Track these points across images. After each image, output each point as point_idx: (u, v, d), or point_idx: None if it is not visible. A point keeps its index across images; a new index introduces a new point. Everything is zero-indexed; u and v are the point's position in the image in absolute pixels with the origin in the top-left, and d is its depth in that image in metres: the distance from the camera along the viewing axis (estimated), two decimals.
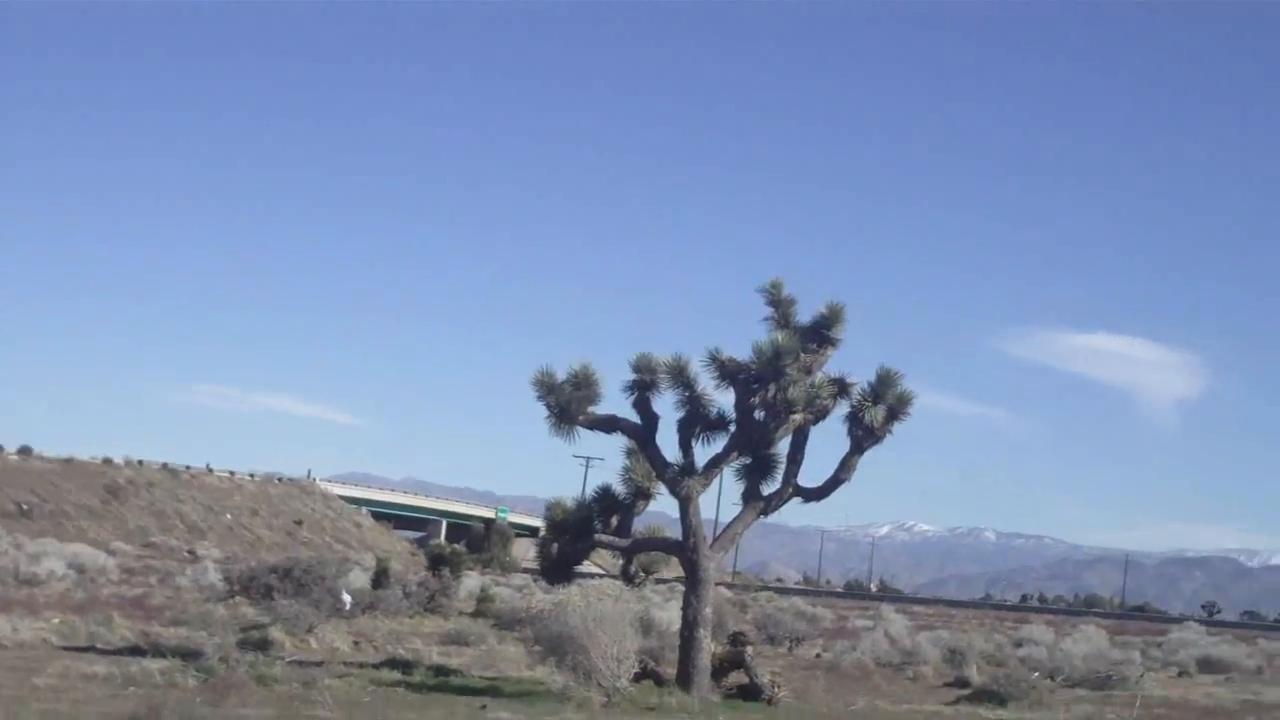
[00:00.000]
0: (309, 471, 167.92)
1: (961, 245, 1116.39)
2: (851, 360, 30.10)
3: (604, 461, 35.30)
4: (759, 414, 28.67)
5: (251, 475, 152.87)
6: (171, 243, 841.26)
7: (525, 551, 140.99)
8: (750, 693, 28.11)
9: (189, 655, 27.36)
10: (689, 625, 28.29)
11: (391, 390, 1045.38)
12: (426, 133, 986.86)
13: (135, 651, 29.11)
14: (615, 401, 29.45)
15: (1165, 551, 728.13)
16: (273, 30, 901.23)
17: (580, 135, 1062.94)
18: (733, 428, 29.22)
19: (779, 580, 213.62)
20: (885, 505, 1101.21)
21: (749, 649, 29.46)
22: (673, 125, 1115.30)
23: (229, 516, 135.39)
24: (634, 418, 29.48)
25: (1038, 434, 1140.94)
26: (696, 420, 29.27)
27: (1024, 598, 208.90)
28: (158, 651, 28.14)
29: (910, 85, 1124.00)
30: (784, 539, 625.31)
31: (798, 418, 28.54)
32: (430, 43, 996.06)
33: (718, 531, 32.94)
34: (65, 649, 29.97)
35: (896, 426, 29.23)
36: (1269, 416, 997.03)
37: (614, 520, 30.16)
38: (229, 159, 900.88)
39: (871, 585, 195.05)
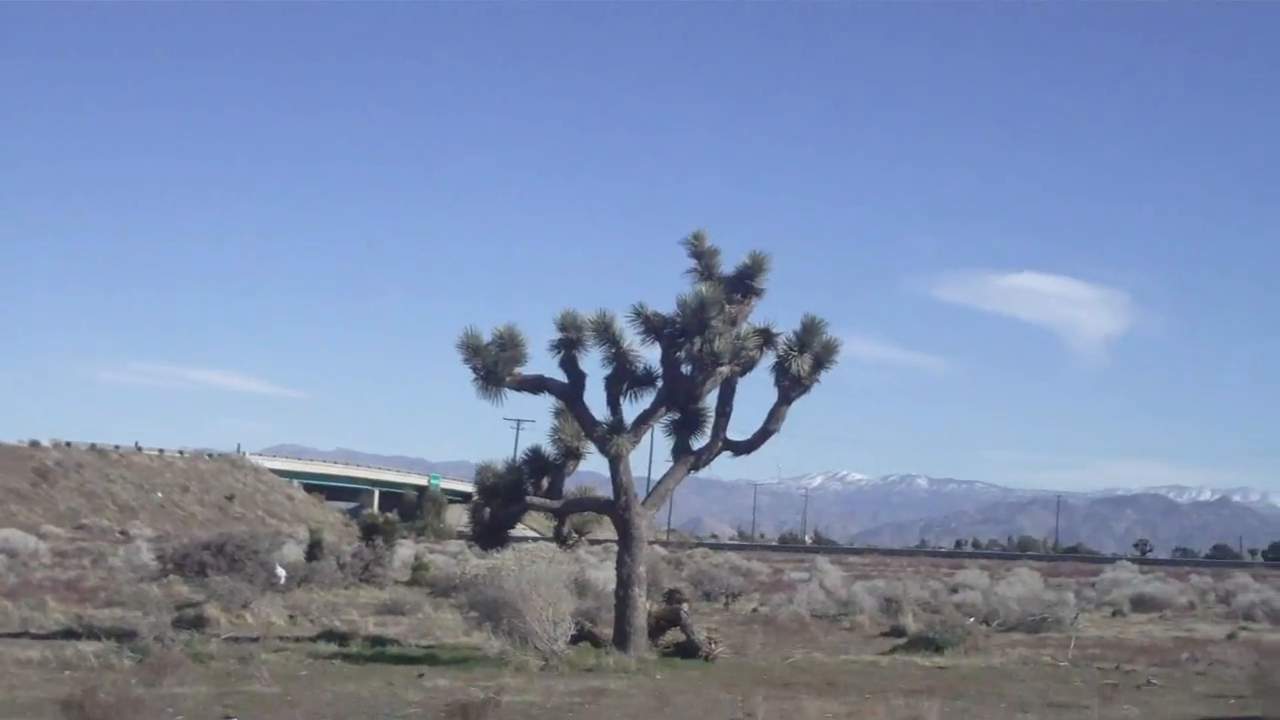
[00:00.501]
0: (239, 446, 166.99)
1: (883, 189, 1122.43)
2: (777, 309, 30.12)
3: (535, 423, 35.39)
4: (686, 368, 28.62)
5: (181, 452, 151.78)
6: (87, 222, 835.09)
7: (459, 518, 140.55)
8: (687, 650, 28.09)
9: (124, 636, 27.09)
10: (623, 585, 28.25)
11: (320, 361, 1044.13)
12: (346, 100, 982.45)
13: (70, 635, 28.87)
14: (542, 361, 29.34)
15: (1096, 491, 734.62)
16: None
17: (497, 95, 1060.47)
18: (660, 383, 29.15)
19: (714, 536, 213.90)
20: (817, 456, 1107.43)
21: (684, 606, 29.43)
22: (587, 77, 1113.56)
23: (160, 495, 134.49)
24: (561, 377, 29.37)
25: (966, 377, 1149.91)
26: (624, 377, 29.19)
27: (958, 543, 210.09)
28: (92, 634, 27.90)
29: (827, 29, 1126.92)
30: (717, 494, 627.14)
31: (724, 370, 28.50)
32: (343, 10, 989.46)
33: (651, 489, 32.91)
34: None
35: (823, 375, 29.23)
36: (1194, 351, 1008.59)
37: (545, 482, 30.06)
38: (157, 138, 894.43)
39: (806, 537, 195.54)
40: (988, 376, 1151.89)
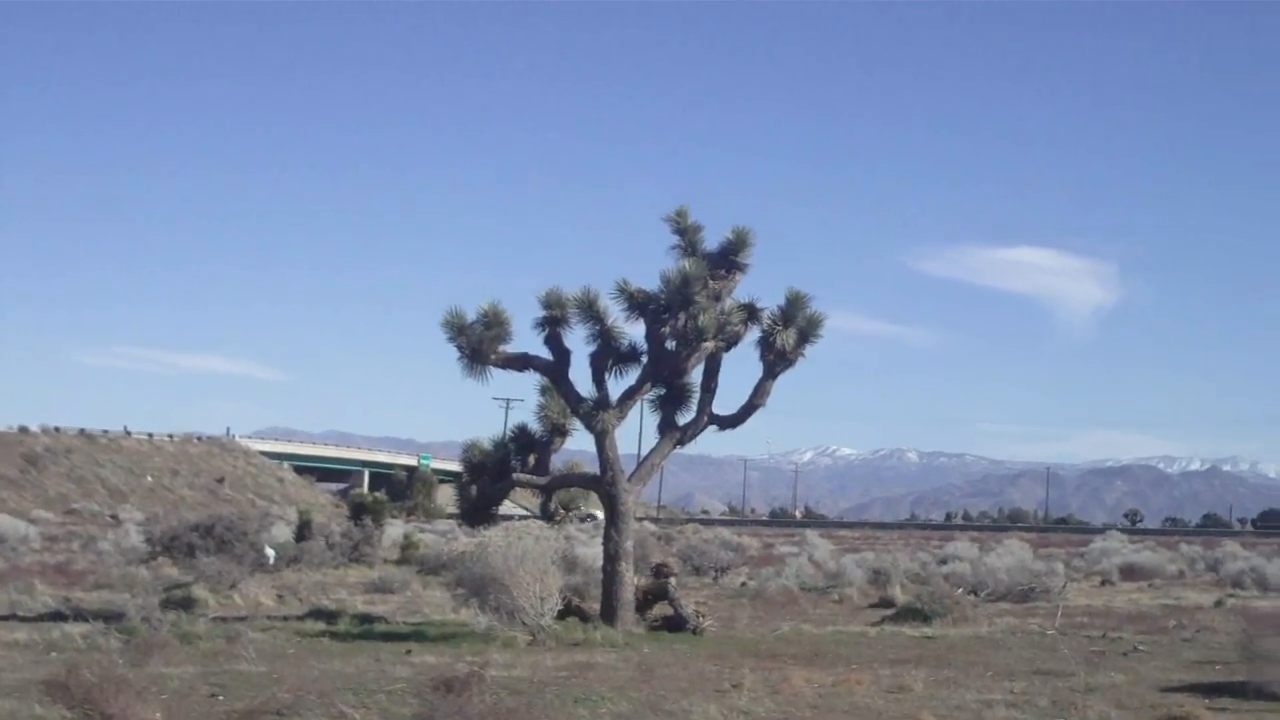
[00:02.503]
0: (228, 429, 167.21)
1: (869, 162, 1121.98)
2: (761, 285, 30.20)
3: (524, 402, 35.25)
4: (670, 344, 28.63)
5: (170, 436, 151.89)
6: (73, 205, 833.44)
7: (449, 497, 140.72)
8: (675, 624, 28.12)
9: (112, 618, 27.10)
10: (610, 559, 28.32)
11: (309, 343, 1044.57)
12: (328, 78, 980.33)
13: (57, 617, 28.81)
14: (527, 339, 29.42)
15: (1087, 463, 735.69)
16: None
17: (481, 71, 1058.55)
18: (645, 359, 29.19)
19: (705, 512, 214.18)
20: (807, 431, 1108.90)
21: (672, 580, 29.43)
22: (571, 52, 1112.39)
23: (150, 479, 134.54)
24: (546, 354, 29.41)
25: (955, 350, 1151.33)
26: (608, 353, 29.22)
27: (948, 516, 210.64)
28: (80, 616, 27.83)
29: (815, 1, 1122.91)
30: (708, 470, 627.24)
31: (709, 345, 28.52)
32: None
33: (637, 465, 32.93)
34: None
35: (809, 349, 29.33)
36: (1183, 321, 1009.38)
37: (532, 459, 30.12)
38: (141, 121, 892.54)
39: (796, 512, 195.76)
40: (976, 349, 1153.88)
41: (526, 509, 67.90)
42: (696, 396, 29.58)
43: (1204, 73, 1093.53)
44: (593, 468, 30.36)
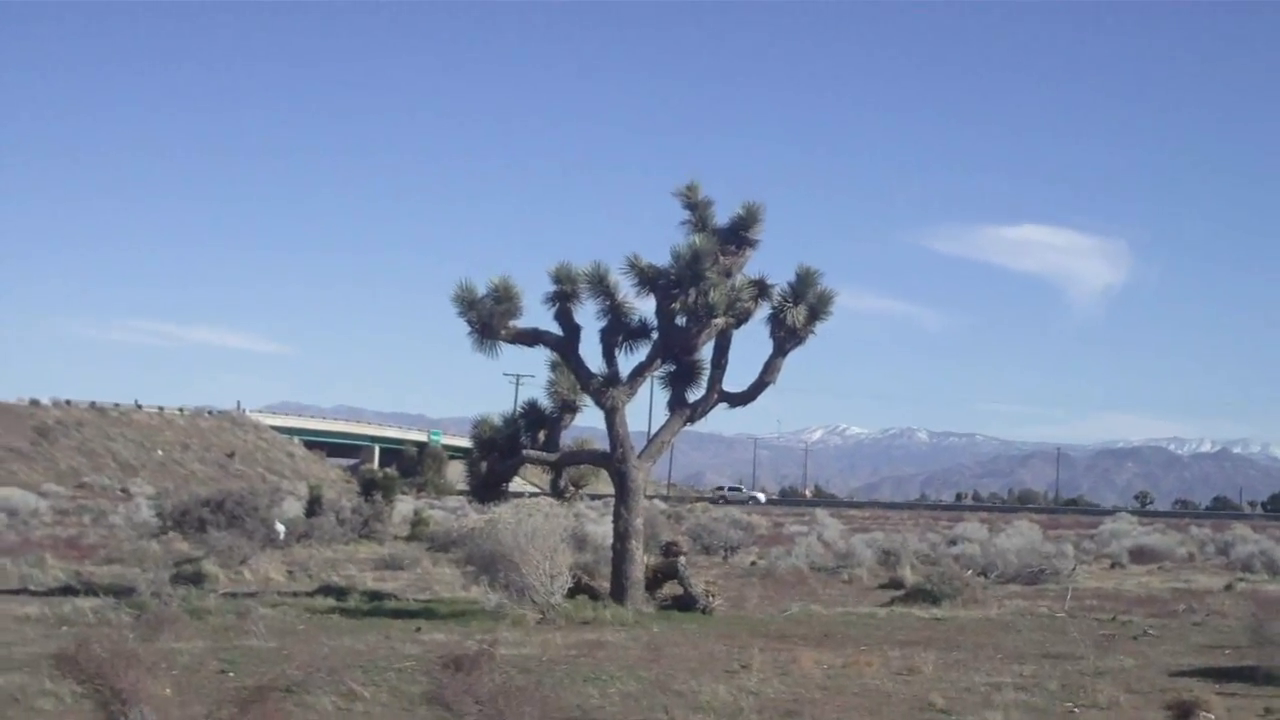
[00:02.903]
0: (239, 403, 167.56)
1: (881, 140, 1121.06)
2: (772, 261, 30.16)
3: (535, 378, 35.19)
4: (681, 319, 28.56)
5: (181, 410, 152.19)
6: (86, 181, 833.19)
7: (459, 474, 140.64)
8: (685, 602, 28.11)
9: (122, 593, 27.18)
10: (620, 537, 28.29)
11: (320, 318, 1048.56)
12: (335, 57, 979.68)
13: (68, 591, 28.84)
14: (537, 314, 29.35)
15: (1097, 444, 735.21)
16: None
17: (490, 51, 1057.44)
18: (655, 335, 29.11)
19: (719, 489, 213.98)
20: (817, 410, 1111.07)
21: (682, 559, 29.40)
22: (580, 31, 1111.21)
23: (160, 452, 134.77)
24: (556, 330, 29.35)
25: (965, 330, 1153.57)
26: (619, 329, 29.15)
27: (958, 496, 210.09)
28: (90, 590, 27.91)
29: None
30: (718, 449, 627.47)
31: (719, 321, 28.45)
32: None
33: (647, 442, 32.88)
34: None
35: (819, 327, 29.20)
36: (1194, 301, 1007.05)
37: (541, 435, 30.08)
38: (149, 97, 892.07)
39: (806, 491, 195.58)
40: (987, 329, 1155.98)
41: (537, 486, 67.87)
42: (707, 373, 29.49)
43: (1220, 54, 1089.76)
44: (603, 444, 30.29)
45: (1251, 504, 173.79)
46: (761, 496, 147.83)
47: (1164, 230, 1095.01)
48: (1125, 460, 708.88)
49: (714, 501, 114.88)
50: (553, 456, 29.95)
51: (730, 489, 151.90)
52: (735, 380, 29.87)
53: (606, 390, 28.83)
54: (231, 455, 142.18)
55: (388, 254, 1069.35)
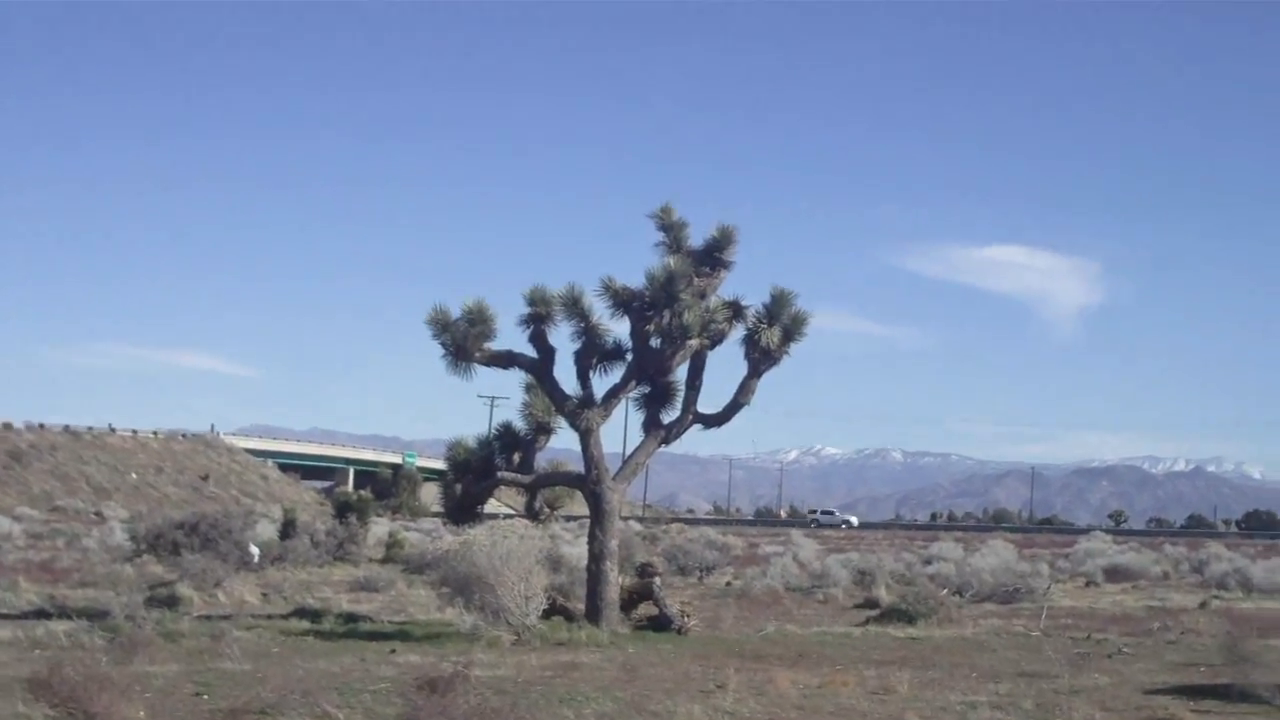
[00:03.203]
0: (213, 426, 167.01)
1: (856, 161, 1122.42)
2: (746, 283, 30.13)
3: (509, 400, 35.15)
4: (655, 341, 28.56)
5: (155, 433, 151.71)
6: (57, 205, 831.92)
7: (434, 496, 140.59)
8: (660, 623, 28.11)
9: (96, 616, 27.09)
10: (595, 559, 28.29)
11: (294, 340, 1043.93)
12: (314, 80, 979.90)
13: (41, 615, 28.74)
14: (512, 337, 29.34)
15: (1071, 463, 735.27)
16: None
17: (466, 73, 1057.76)
18: (630, 357, 29.13)
19: (690, 511, 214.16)
20: (792, 431, 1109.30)
21: (657, 580, 29.40)
22: (556, 54, 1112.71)
23: (134, 476, 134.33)
24: (531, 352, 29.35)
25: (940, 350, 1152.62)
26: (593, 351, 29.16)
27: (933, 516, 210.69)
28: (64, 613, 27.79)
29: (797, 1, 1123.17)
30: (693, 470, 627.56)
31: (694, 343, 28.48)
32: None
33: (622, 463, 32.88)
34: None
35: (794, 347, 29.24)
36: (1168, 321, 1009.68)
37: (516, 457, 30.08)
38: (123, 121, 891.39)
39: (781, 511, 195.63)
40: (961, 349, 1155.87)
41: (512, 508, 67.83)
42: (681, 395, 29.54)
43: (1192, 75, 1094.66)
44: (577, 466, 30.31)
45: (1226, 522, 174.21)
46: (854, 520, 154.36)
47: (1138, 251, 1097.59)
48: (1100, 479, 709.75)
49: (809, 525, 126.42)
50: (528, 478, 29.94)
51: (823, 513, 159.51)
52: (710, 401, 29.92)
53: (581, 412, 28.83)
54: (205, 478, 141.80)
55: (361, 276, 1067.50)
